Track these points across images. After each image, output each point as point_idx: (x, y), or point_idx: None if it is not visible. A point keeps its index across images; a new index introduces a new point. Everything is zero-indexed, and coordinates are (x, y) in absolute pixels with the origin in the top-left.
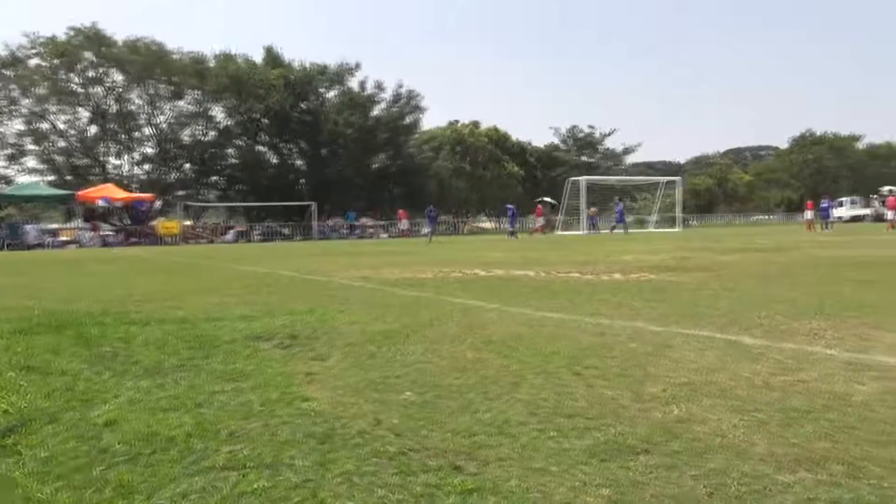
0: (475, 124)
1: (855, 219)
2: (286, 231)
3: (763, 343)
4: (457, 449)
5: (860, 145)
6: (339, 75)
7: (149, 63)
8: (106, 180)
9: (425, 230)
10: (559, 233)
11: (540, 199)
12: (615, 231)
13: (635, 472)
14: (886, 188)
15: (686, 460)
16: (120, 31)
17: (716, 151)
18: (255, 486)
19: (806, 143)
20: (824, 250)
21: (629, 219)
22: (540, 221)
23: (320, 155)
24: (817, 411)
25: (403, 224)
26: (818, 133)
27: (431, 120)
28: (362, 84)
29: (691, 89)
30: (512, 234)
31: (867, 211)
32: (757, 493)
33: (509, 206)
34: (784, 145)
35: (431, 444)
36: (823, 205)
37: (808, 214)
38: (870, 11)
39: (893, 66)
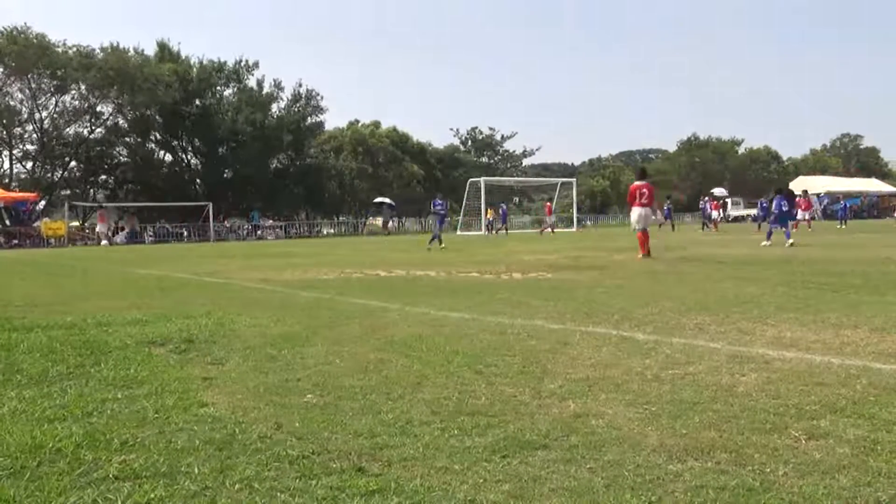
0: (376, 124)
1: (736, 219)
2: (183, 232)
3: (654, 338)
4: (360, 450)
5: (741, 150)
6: (236, 73)
7: (30, 55)
8: None
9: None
10: (459, 233)
11: (379, 199)
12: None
13: (535, 466)
14: (717, 189)
15: (583, 454)
16: None
17: (608, 154)
18: (151, 496)
19: (692, 146)
20: (708, 249)
21: (526, 219)
22: (550, 220)
23: (217, 154)
24: (704, 402)
25: (101, 227)
26: (702, 137)
27: (331, 120)
28: (260, 82)
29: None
30: (492, 230)
31: (752, 211)
32: (650, 482)
33: (438, 202)
34: (672, 148)
35: (334, 447)
36: (702, 205)
37: (715, 214)
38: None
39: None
